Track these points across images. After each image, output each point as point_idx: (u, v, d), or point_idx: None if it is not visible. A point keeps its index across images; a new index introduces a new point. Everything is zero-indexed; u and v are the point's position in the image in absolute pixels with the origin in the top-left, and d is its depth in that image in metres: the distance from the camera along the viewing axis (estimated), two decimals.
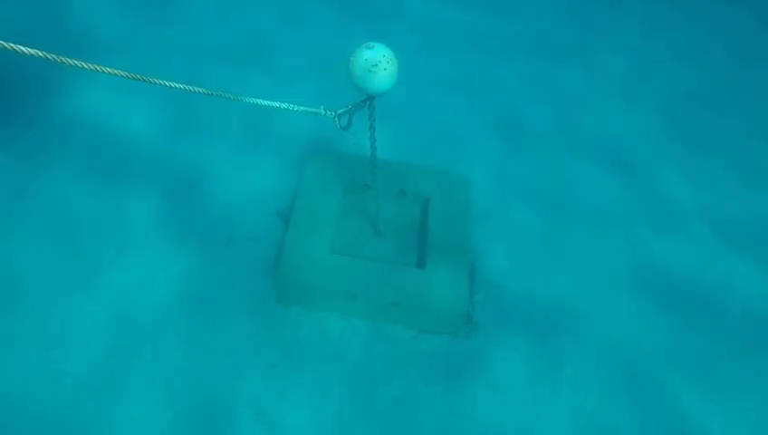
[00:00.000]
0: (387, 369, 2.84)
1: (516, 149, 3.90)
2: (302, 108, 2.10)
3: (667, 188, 3.79)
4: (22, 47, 1.36)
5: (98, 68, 1.52)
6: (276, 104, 2.04)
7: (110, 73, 1.53)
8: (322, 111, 2.16)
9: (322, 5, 4.76)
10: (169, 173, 3.47)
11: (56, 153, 3.45)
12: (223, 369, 2.75)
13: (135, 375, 2.68)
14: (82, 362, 2.70)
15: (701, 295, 3.26)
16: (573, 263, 3.33)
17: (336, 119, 2.22)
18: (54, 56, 1.44)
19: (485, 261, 3.26)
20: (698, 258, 3.43)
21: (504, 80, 4.38)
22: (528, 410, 2.77)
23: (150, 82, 1.67)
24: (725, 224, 3.62)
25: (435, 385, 2.80)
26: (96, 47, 4.11)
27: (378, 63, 2.03)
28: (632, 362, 2.97)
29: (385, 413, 2.70)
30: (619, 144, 4.03)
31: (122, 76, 1.58)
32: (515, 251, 3.34)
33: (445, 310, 2.86)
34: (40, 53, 1.40)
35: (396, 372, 2.83)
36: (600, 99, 4.33)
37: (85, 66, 1.51)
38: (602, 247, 3.42)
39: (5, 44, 1.33)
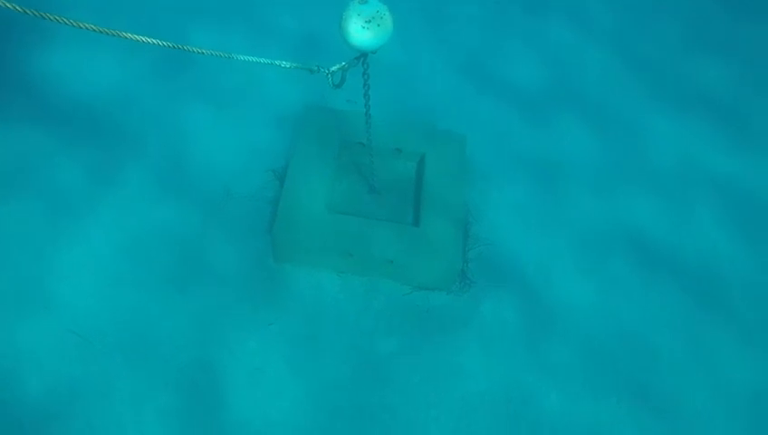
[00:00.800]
0: (383, 324, 2.90)
1: (514, 108, 3.87)
2: (294, 64, 2.07)
3: (656, 149, 3.78)
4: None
5: (86, 26, 1.49)
6: (268, 61, 2.01)
7: (93, 30, 1.51)
8: (315, 68, 2.13)
9: None
10: (160, 132, 3.45)
11: (38, 114, 3.42)
12: (220, 326, 2.81)
13: (132, 334, 2.74)
14: (84, 321, 2.76)
15: (688, 262, 3.31)
16: (566, 223, 3.36)
17: (329, 76, 2.19)
18: (33, 11, 1.41)
19: (480, 218, 3.29)
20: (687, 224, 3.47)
21: (503, 40, 4.29)
22: (515, 362, 2.85)
23: (140, 41, 1.64)
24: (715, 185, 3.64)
25: (429, 339, 2.87)
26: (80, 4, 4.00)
27: (371, 19, 1.99)
28: (618, 330, 3.05)
29: (381, 367, 2.77)
30: (607, 100, 4.00)
31: (108, 34, 1.55)
32: (510, 210, 3.37)
33: (439, 266, 2.91)
34: (18, 8, 1.37)
35: (392, 327, 2.90)
36: (597, 56, 4.26)
37: (67, 22, 1.48)
38: (594, 209, 3.44)
39: None
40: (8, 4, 1.36)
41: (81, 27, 1.52)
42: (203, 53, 1.80)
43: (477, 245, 3.19)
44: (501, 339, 2.92)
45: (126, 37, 1.57)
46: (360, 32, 2.00)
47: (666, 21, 4.56)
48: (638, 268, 3.23)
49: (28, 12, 1.39)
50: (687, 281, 3.19)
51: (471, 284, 3.06)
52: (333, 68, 2.19)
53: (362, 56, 2.21)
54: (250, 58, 2.00)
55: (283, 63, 2.05)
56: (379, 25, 2.00)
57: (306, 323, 2.86)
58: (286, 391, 2.67)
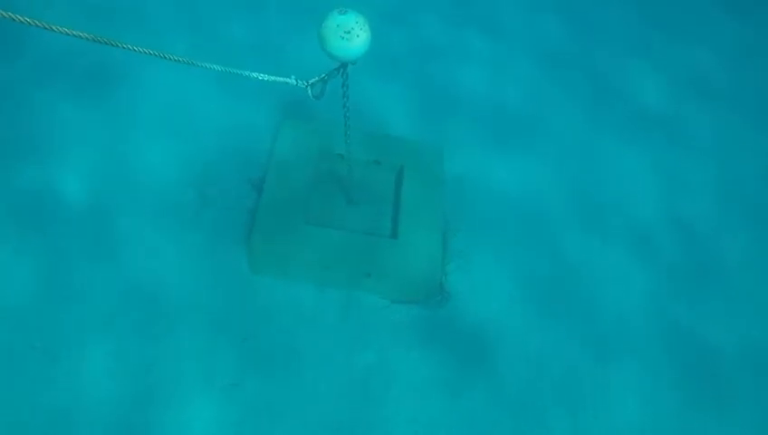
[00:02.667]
0: (360, 338, 2.87)
1: (491, 120, 3.90)
2: (271, 77, 2.05)
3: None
4: None
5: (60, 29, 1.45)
6: (245, 73, 1.98)
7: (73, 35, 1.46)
8: (293, 81, 2.11)
9: None
10: None
11: None
12: (193, 340, 2.74)
13: (100, 346, 2.66)
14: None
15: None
16: (547, 236, 3.39)
17: (308, 88, 2.17)
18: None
19: (458, 231, 3.28)
20: None
21: (479, 49, 4.33)
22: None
23: (117, 46, 1.60)
24: None
25: (408, 353, 2.84)
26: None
27: (351, 30, 1.98)
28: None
29: (358, 381, 2.73)
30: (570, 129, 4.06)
31: (86, 39, 1.51)
32: (488, 223, 3.37)
33: (417, 280, 2.89)
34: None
35: (369, 340, 2.86)
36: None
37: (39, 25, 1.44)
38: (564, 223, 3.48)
39: None
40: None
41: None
42: (179, 60, 1.77)
43: (456, 257, 3.18)
44: (480, 354, 2.90)
45: (62, 32, 1.53)
46: (339, 42, 1.99)
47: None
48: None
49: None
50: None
51: (449, 297, 3.04)
52: (312, 80, 2.17)
53: (342, 67, 2.20)
54: (227, 69, 1.97)
55: (261, 76, 2.02)
56: (358, 36, 1.99)
57: (282, 336, 2.81)
58: (262, 405, 2.61)
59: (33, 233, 2.92)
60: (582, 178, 3.70)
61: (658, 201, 3.66)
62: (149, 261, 2.93)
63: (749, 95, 4.42)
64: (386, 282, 2.92)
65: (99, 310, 2.74)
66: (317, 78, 2.17)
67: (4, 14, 1.34)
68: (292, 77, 2.10)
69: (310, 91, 2.19)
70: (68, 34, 1.46)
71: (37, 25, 1.43)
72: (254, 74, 1.99)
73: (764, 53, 4.78)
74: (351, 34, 1.98)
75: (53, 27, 1.44)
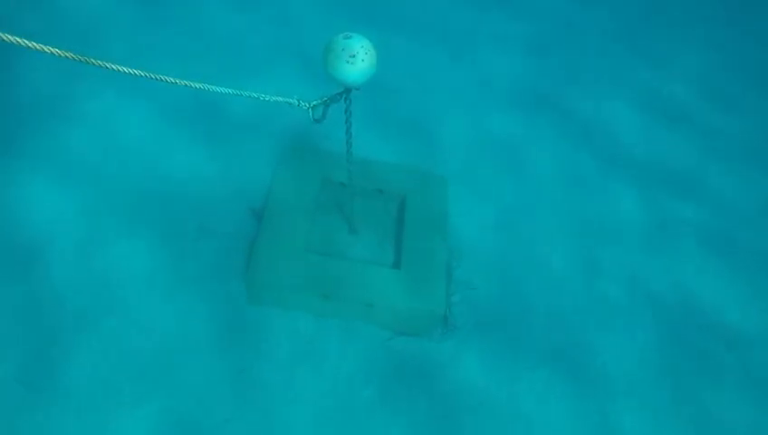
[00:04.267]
0: (361, 371, 2.76)
1: (494, 148, 3.87)
2: (273, 97, 2.01)
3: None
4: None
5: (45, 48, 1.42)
6: (247, 93, 1.95)
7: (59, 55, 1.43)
8: (295, 102, 2.07)
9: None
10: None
11: None
12: (189, 373, 2.63)
13: (91, 380, 2.55)
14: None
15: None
16: (552, 268, 3.31)
17: (310, 110, 2.14)
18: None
19: (463, 261, 3.21)
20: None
21: (489, 77, 4.34)
22: (505, 415, 2.72)
23: (116, 70, 1.57)
24: None
25: (410, 388, 2.73)
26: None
27: (356, 54, 1.95)
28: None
29: (359, 416, 2.62)
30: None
31: (100, 66, 1.47)
32: (493, 252, 3.30)
33: (421, 311, 2.80)
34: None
35: (370, 374, 2.76)
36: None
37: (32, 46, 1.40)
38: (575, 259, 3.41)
39: None
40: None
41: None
42: (176, 83, 1.73)
43: (460, 289, 3.09)
44: (486, 389, 2.79)
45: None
46: (344, 66, 1.96)
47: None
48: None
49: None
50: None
51: (454, 330, 2.95)
52: (314, 102, 2.14)
53: (345, 92, 2.16)
54: (230, 90, 1.94)
55: (263, 96, 1.99)
56: (363, 60, 1.96)
57: (280, 369, 2.70)
58: None
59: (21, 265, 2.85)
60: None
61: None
62: (144, 291, 2.84)
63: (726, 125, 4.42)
64: (388, 313, 2.83)
65: (93, 340, 2.65)
66: (319, 100, 2.14)
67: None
68: (295, 97, 2.07)
69: (311, 114, 2.15)
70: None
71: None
72: (256, 94, 1.96)
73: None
74: (356, 58, 1.96)
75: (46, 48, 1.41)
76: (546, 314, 3.11)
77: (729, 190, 3.97)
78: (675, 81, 4.68)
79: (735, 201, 3.91)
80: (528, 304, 3.12)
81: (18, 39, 1.36)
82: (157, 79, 1.72)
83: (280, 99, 2.04)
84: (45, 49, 1.39)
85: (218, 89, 1.90)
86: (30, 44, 1.38)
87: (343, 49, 1.95)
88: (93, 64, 1.49)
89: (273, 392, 2.63)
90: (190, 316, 2.79)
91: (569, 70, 4.57)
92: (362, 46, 1.97)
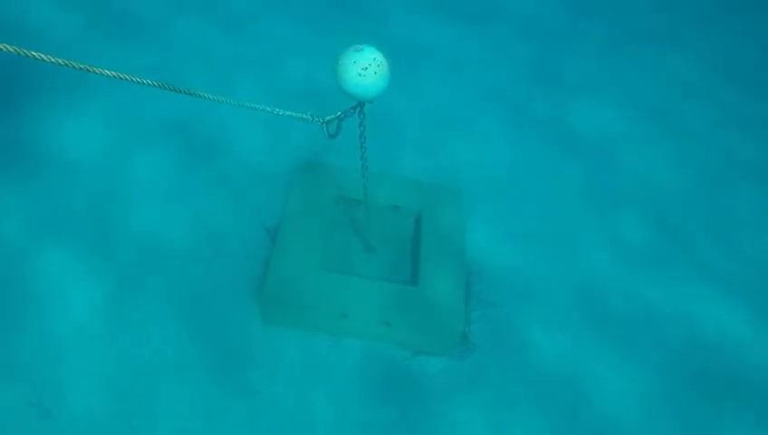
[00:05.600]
0: (379, 392, 2.68)
1: (513, 157, 3.81)
2: (287, 112, 1.99)
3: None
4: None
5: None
6: (261, 107, 1.93)
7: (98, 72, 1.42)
8: (309, 117, 2.05)
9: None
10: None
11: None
12: (201, 394, 2.58)
13: (103, 402, 2.51)
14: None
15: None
16: (573, 283, 3.22)
17: (324, 126, 2.11)
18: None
19: (482, 277, 3.13)
20: None
21: (502, 90, 4.30)
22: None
23: (142, 83, 1.56)
24: None
25: (429, 408, 2.64)
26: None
27: (368, 66, 1.92)
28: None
29: None
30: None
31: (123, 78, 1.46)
32: (512, 267, 3.22)
33: (439, 329, 2.73)
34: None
35: (388, 395, 2.68)
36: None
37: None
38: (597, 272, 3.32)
39: None
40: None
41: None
42: (191, 94, 1.71)
43: (480, 306, 3.01)
44: (507, 409, 2.69)
45: (100, 73, 1.48)
46: (356, 79, 1.93)
47: None
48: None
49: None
50: None
51: (474, 348, 2.86)
52: (328, 117, 2.11)
53: (359, 106, 2.13)
54: (243, 104, 1.92)
55: (277, 111, 1.96)
56: (375, 73, 1.93)
57: (296, 390, 2.64)
58: None
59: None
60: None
61: None
62: (157, 311, 2.81)
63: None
64: (406, 332, 2.76)
65: (103, 366, 2.61)
66: (333, 116, 2.11)
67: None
68: (308, 113, 2.04)
69: (325, 130, 2.12)
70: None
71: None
72: (270, 108, 1.93)
73: None
74: (368, 71, 1.92)
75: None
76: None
77: None
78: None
79: None
80: (548, 321, 3.03)
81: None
82: (172, 89, 1.71)
83: (294, 114, 2.01)
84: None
85: (232, 101, 1.88)
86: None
87: (355, 62, 1.92)
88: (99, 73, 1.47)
89: (287, 415, 2.56)
90: (204, 336, 2.75)
91: (573, 84, 4.51)
92: (374, 58, 1.93)
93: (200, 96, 1.77)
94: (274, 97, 3.88)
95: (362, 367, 2.75)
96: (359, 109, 2.16)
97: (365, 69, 1.91)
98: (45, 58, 1.37)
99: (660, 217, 3.65)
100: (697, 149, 4.13)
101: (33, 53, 1.34)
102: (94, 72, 1.45)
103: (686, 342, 3.05)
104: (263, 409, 2.57)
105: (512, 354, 2.88)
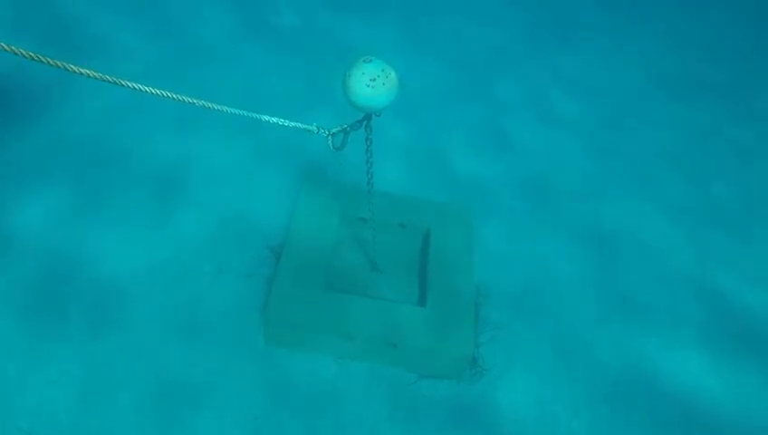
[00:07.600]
0: (385, 417, 2.57)
1: (517, 177, 3.75)
2: (293, 124, 1.94)
3: None
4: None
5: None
6: (266, 118, 1.87)
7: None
8: (315, 129, 1.99)
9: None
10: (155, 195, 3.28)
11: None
12: (201, 418, 2.47)
13: (103, 422, 2.41)
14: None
15: None
16: (586, 304, 3.12)
17: (329, 138, 2.05)
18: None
19: (491, 298, 3.04)
20: None
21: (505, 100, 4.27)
22: None
23: (136, 89, 1.51)
24: None
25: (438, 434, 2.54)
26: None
27: (376, 78, 1.87)
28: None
29: None
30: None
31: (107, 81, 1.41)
32: (521, 287, 3.13)
33: (448, 352, 2.63)
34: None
35: (395, 420, 2.57)
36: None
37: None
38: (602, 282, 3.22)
39: None
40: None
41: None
42: (194, 103, 1.66)
43: (489, 327, 2.91)
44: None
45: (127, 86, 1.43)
46: (364, 91, 1.88)
47: None
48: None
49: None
50: None
51: (483, 371, 2.76)
52: (334, 129, 2.06)
53: (365, 118, 2.08)
54: (249, 114, 1.87)
55: (282, 121, 1.91)
56: (384, 84, 1.88)
57: (298, 415, 2.53)
58: None
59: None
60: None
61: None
62: (158, 331, 2.72)
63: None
64: (413, 354, 2.66)
65: (103, 381, 2.52)
66: (339, 128, 2.06)
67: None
68: (314, 125, 1.99)
69: (331, 142, 2.06)
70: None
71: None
72: (275, 119, 1.88)
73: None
74: (377, 82, 1.88)
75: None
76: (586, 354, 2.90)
77: None
78: None
79: None
80: (561, 344, 2.92)
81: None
82: (176, 99, 1.66)
83: (299, 125, 1.96)
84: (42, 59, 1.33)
85: (237, 111, 1.83)
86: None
87: (363, 73, 1.87)
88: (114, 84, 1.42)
89: None
90: (205, 358, 2.65)
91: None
92: (383, 70, 1.89)
93: (204, 105, 1.72)
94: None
95: (368, 391, 2.64)
96: (365, 122, 2.11)
97: (373, 80, 1.88)
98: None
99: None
100: None
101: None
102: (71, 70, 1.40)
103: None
104: (267, 432, 2.45)
105: (522, 378, 2.76)
